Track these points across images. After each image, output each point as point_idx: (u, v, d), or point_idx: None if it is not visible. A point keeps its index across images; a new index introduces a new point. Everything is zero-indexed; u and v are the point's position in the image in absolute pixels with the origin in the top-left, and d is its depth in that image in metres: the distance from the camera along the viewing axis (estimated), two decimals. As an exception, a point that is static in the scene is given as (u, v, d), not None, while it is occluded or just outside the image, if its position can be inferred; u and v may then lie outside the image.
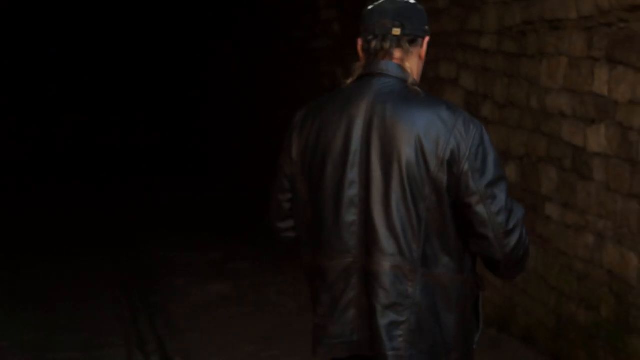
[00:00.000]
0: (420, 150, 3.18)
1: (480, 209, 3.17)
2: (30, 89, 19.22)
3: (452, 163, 3.17)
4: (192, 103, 18.89)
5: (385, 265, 3.18)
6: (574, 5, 5.88)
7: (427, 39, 3.43)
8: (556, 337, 6.21)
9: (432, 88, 8.04)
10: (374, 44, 3.32)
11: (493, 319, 7.06)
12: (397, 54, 3.33)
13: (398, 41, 3.33)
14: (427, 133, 3.18)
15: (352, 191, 3.23)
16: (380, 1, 3.39)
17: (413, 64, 3.36)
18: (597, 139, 5.71)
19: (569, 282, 6.04)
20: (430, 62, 8.06)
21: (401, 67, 3.32)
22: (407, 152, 3.18)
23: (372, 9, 3.38)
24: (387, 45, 3.31)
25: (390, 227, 3.18)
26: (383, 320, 3.19)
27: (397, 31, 3.32)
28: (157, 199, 14.36)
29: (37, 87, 19.32)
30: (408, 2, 3.41)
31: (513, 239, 3.22)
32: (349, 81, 3.37)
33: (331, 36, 10.56)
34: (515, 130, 6.69)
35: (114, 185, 16.06)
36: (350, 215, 3.23)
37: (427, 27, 3.43)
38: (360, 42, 3.38)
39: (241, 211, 12.39)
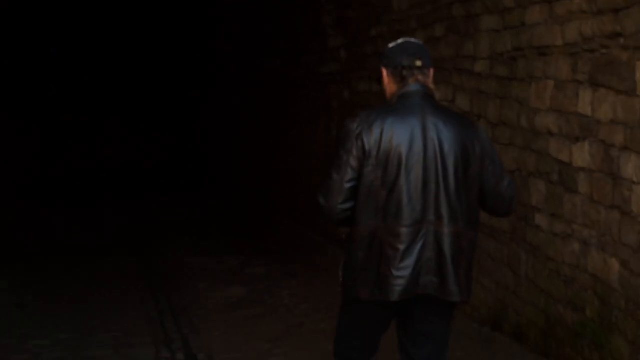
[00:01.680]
0: (466, 147, 4.15)
1: (499, 186, 4.25)
2: (31, 89, 18.57)
3: (482, 156, 4.20)
4: (197, 116, 18.55)
5: (447, 230, 4.08)
6: (560, 33, 5.90)
7: (432, 70, 4.32)
8: (545, 335, 6.22)
9: (430, 108, 8.07)
10: (405, 72, 4.21)
11: (487, 319, 7.06)
12: (420, 78, 4.22)
13: (420, 69, 4.23)
14: (469, 134, 4.19)
15: (426, 177, 4.08)
16: (399, 42, 4.33)
17: (431, 83, 4.27)
18: (582, 155, 5.72)
19: (557, 285, 6.05)
20: (429, 85, 8.12)
21: (427, 87, 4.24)
22: (457, 149, 4.13)
23: (395, 47, 4.31)
24: (417, 73, 4.22)
25: (450, 204, 4.09)
26: (451, 268, 4.08)
27: (419, 63, 4.23)
28: (168, 206, 14.31)
29: (38, 87, 18.69)
30: (419, 43, 4.39)
31: (514, 201, 4.38)
32: (394, 99, 4.23)
33: (338, 62, 10.58)
34: (507, 147, 6.71)
35: (125, 192, 15.96)
36: (427, 193, 4.08)
37: (431, 61, 4.35)
38: (385, 71, 4.29)
39: (254, 219, 12.41)
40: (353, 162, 4.07)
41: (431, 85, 4.24)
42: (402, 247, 4.03)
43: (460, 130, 4.16)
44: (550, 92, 6.05)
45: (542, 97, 6.16)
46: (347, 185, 4.09)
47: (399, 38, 8.85)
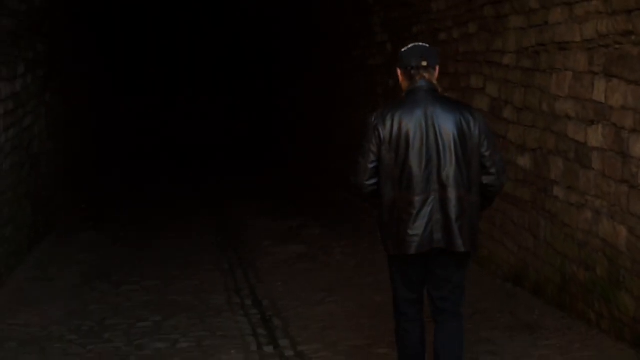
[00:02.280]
0: (462, 129, 4.34)
1: (491, 158, 4.39)
2: (136, 75, 18.88)
3: (479, 134, 4.37)
4: (264, 101, 18.81)
5: (453, 195, 4.32)
6: (578, 30, 5.82)
7: (438, 66, 4.50)
8: (561, 290, 6.18)
9: (464, 95, 8.00)
10: (413, 71, 4.42)
11: (510, 276, 7.03)
12: (426, 75, 4.42)
13: (426, 68, 4.42)
14: (465, 118, 4.37)
15: (429, 154, 4.32)
16: (410, 46, 4.51)
17: (436, 79, 4.46)
18: (596, 136, 5.65)
19: (572, 248, 6.00)
20: (462, 75, 8.06)
21: (432, 83, 4.43)
22: (454, 131, 4.33)
23: (406, 50, 4.50)
24: (423, 72, 4.42)
25: (454, 174, 4.33)
26: (455, 226, 4.32)
27: (425, 63, 4.42)
28: (239, 177, 14.40)
29: (141, 73, 19.00)
30: (426, 46, 4.53)
31: (505, 174, 4.54)
32: (404, 95, 4.44)
33: (384, 55, 10.53)
34: (530, 129, 6.64)
35: (204, 166, 16.13)
36: (431, 167, 4.33)
37: (438, 59, 4.52)
38: (400, 70, 4.49)
39: (310, 188, 12.45)
40: (373, 148, 4.37)
41: (435, 81, 4.43)
42: (414, 212, 4.31)
43: (457, 115, 4.36)
44: (569, 82, 5.98)
45: (562, 86, 6.09)
46: (370, 166, 4.38)
47: (437, 35, 8.83)
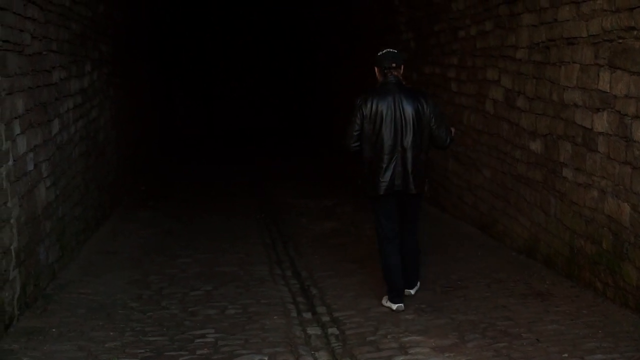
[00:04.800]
0: (418, 110, 5.47)
1: (437, 129, 5.52)
2: (200, 71, 19.15)
3: (430, 113, 5.48)
4: (304, 92, 18.84)
5: (409, 155, 5.47)
6: (585, 26, 5.71)
7: (403, 65, 5.60)
8: (569, 262, 6.09)
9: (481, 86, 7.90)
10: (386, 70, 5.53)
11: (523, 248, 6.95)
12: (395, 72, 5.53)
13: (395, 68, 5.53)
14: (420, 102, 5.48)
15: (394, 127, 5.45)
16: (383, 52, 5.58)
17: (401, 74, 5.56)
18: (601, 122, 5.55)
19: (579, 223, 5.91)
20: (479, 69, 7.95)
21: (398, 77, 5.54)
22: (412, 111, 5.46)
23: (381, 55, 5.57)
24: (392, 70, 5.52)
25: (411, 141, 5.46)
26: (412, 177, 5.48)
27: (394, 64, 5.54)
28: (280, 161, 14.41)
29: (205, 70, 19.25)
30: (395, 52, 5.59)
31: (448, 136, 5.58)
32: (378, 85, 5.54)
33: (409, 51, 10.43)
34: (541, 117, 6.54)
35: (249, 151, 16.16)
36: (396, 136, 5.45)
37: (403, 60, 5.60)
38: (377, 68, 5.58)
39: (343, 169, 12.41)
40: (357, 121, 5.50)
41: (400, 76, 5.52)
42: (384, 166, 5.47)
43: (415, 100, 5.46)
44: (577, 74, 5.87)
45: (570, 77, 5.98)
46: (355, 134, 5.52)
47: (456, 32, 8.69)
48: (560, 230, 6.23)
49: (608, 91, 5.43)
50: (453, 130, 5.70)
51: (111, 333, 5.22)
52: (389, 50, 5.56)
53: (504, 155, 7.38)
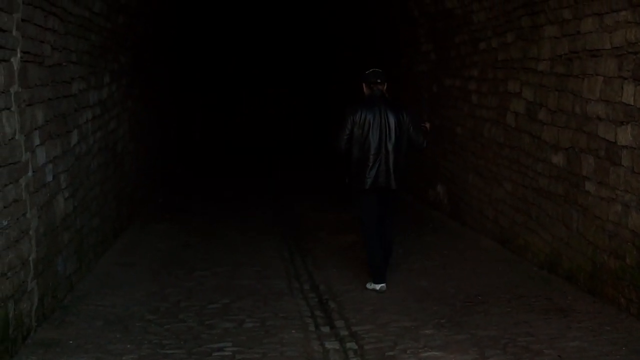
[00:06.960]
0: (399, 120, 6.41)
1: (414, 135, 6.48)
2: (221, 85, 19.25)
3: (409, 122, 6.44)
4: (324, 106, 18.89)
5: (391, 157, 6.41)
6: (608, 38, 5.68)
7: (386, 82, 6.53)
8: (592, 277, 6.04)
9: (502, 99, 7.87)
10: (372, 85, 6.50)
11: (545, 263, 6.91)
12: (380, 87, 6.49)
13: (380, 84, 6.50)
14: (401, 113, 6.44)
15: (380, 133, 6.38)
16: (370, 70, 6.56)
17: (385, 89, 6.51)
18: (625, 135, 5.51)
19: (602, 238, 5.86)
20: (501, 81, 7.93)
21: (383, 92, 6.50)
22: (394, 121, 6.40)
23: (369, 73, 6.55)
24: (378, 85, 6.49)
25: (393, 145, 6.40)
26: (394, 175, 6.41)
27: (379, 81, 6.51)
28: (297, 173, 14.39)
29: (225, 83, 19.38)
30: (380, 71, 6.55)
31: (424, 145, 6.54)
32: (365, 97, 6.51)
33: (428, 63, 10.43)
34: (563, 129, 6.51)
35: (268, 163, 16.16)
36: (381, 140, 6.38)
37: (385, 78, 6.52)
38: (364, 84, 6.55)
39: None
40: (349, 126, 6.42)
41: (384, 91, 6.48)
42: (370, 164, 6.39)
43: (397, 111, 6.42)
44: (600, 86, 5.84)
45: (593, 89, 5.95)
46: (345, 137, 6.44)
47: (477, 44, 8.68)
48: (582, 245, 6.18)
49: (632, 104, 5.39)
50: (428, 125, 6.71)
51: (128, 346, 5.23)
52: (374, 69, 6.56)
53: (525, 168, 7.35)
